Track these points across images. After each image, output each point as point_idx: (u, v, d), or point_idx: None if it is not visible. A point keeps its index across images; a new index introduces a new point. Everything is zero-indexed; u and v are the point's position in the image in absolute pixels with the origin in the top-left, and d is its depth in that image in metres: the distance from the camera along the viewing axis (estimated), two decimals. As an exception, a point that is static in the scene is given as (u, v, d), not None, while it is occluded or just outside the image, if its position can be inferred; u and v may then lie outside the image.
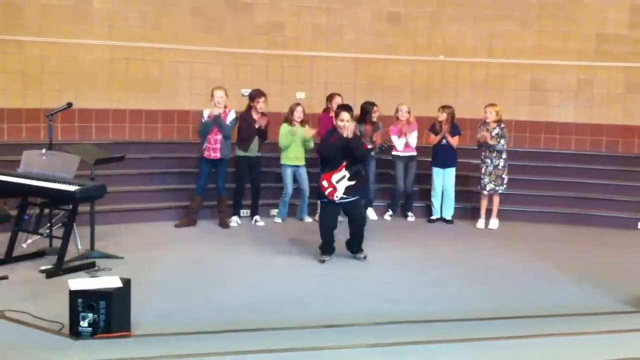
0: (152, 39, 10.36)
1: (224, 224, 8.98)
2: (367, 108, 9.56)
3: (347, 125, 7.27)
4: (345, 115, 7.32)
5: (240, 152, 9.08)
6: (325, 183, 7.28)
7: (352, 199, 7.34)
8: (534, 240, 8.88)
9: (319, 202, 7.80)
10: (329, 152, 7.34)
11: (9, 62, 9.66)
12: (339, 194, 7.25)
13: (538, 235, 9.19)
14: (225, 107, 8.79)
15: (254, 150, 9.12)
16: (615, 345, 5.01)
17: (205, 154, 8.80)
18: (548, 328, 5.40)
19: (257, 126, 9.00)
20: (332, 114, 9.46)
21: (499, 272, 7.31)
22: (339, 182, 7.26)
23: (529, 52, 11.17)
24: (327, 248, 7.50)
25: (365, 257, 7.54)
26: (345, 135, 7.26)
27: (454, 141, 9.66)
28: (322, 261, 7.42)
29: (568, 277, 7.13)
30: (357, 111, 9.82)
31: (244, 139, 9.01)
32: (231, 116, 8.84)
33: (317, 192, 7.59)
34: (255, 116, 9.06)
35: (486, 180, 9.42)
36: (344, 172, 7.28)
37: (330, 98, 9.66)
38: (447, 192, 9.77)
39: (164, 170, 9.81)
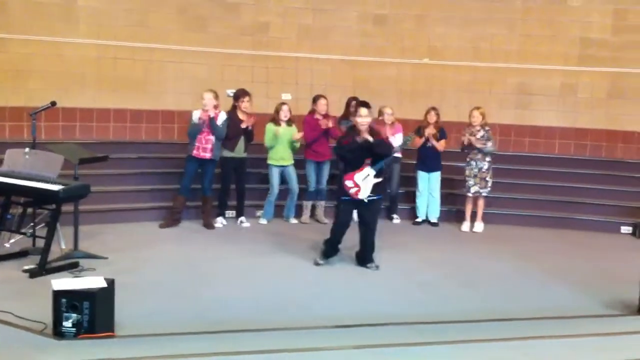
0: (138, 38, 10.31)
1: (209, 225, 8.94)
2: (347, 102, 9.68)
3: (367, 122, 7.21)
4: (364, 111, 7.24)
5: (226, 153, 9.04)
6: (349, 183, 7.13)
7: (375, 197, 7.21)
8: (519, 243, 8.92)
9: (336, 201, 7.67)
10: (348, 153, 7.23)
11: (-7, 60, 9.59)
12: (365, 193, 7.12)
13: (522, 238, 9.23)
14: (216, 107, 8.76)
15: (240, 150, 9.09)
16: (599, 348, 5.03)
17: (194, 152, 8.73)
18: (534, 330, 5.42)
19: (243, 126, 8.97)
20: (317, 115, 9.50)
21: (486, 275, 7.34)
22: (365, 181, 7.13)
23: (515, 55, 11.23)
24: (330, 250, 7.39)
25: (377, 267, 7.33)
26: (363, 131, 7.18)
27: (440, 145, 9.68)
28: (318, 264, 7.33)
29: (552, 280, 7.17)
30: (340, 111, 9.91)
31: (230, 139, 8.98)
32: (222, 117, 8.81)
33: (337, 191, 7.43)
34: (240, 116, 9.04)
35: (471, 182, 9.44)
36: (367, 171, 7.14)
37: (315, 100, 9.64)
38: (432, 195, 9.80)
39: (148, 170, 9.75)
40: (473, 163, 9.42)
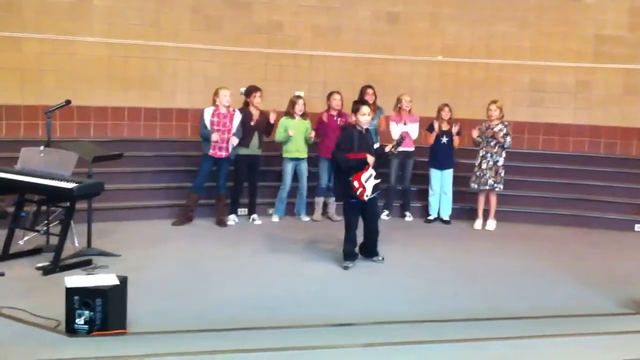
0: (150, 36, 10.36)
1: (222, 222, 8.97)
2: (362, 90, 9.64)
3: (369, 120, 7.31)
4: (366, 109, 7.27)
5: (241, 150, 9.06)
6: (356, 184, 7.13)
7: (374, 195, 7.27)
8: (531, 241, 8.88)
9: (344, 203, 7.57)
10: (351, 162, 7.19)
11: (7, 59, 9.67)
12: (368, 193, 7.15)
13: (535, 236, 9.19)
14: (228, 107, 8.79)
15: (254, 147, 9.11)
16: (612, 346, 5.00)
17: (211, 152, 8.77)
18: (545, 329, 5.40)
19: (252, 123, 9.00)
20: (331, 112, 9.50)
21: (496, 273, 7.31)
22: (367, 181, 7.15)
23: (528, 53, 11.18)
24: (352, 249, 7.31)
25: (382, 259, 7.46)
26: (363, 128, 7.27)
27: (457, 141, 9.64)
28: (346, 267, 7.21)
29: (565, 278, 7.13)
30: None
31: (244, 136, 9.00)
32: (237, 118, 8.84)
33: (344, 192, 7.37)
34: (253, 112, 9.06)
35: (487, 175, 9.38)
36: (370, 171, 7.17)
37: (328, 96, 9.64)
38: (445, 193, 9.77)
39: (162, 168, 9.79)
40: (489, 156, 9.38)
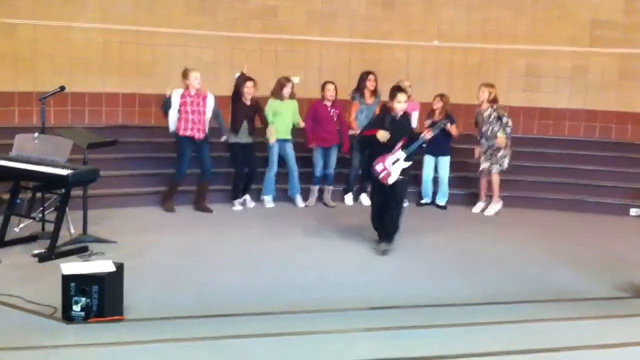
0: (145, 22, 10.30)
1: (205, 209, 8.94)
2: (362, 76, 9.66)
3: (404, 107, 7.27)
4: (402, 96, 7.22)
5: (232, 138, 9.06)
6: (379, 167, 7.03)
7: (401, 178, 7.11)
8: (527, 225, 8.90)
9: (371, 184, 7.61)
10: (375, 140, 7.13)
11: (1, 45, 9.58)
12: (394, 177, 7.02)
13: (531, 221, 9.21)
14: (199, 89, 8.75)
15: (243, 135, 9.08)
16: (608, 330, 5.03)
17: (189, 133, 8.71)
18: (540, 313, 5.42)
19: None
20: (325, 102, 9.48)
21: (492, 258, 7.33)
22: (394, 165, 7.03)
23: (523, 37, 11.16)
24: (383, 230, 7.29)
25: (384, 252, 7.19)
26: (398, 114, 7.21)
27: (454, 130, 9.62)
28: (384, 251, 7.17)
29: (560, 262, 7.16)
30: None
31: (233, 123, 9.02)
32: (211, 100, 8.83)
33: (367, 175, 7.35)
34: (244, 101, 9.06)
35: (482, 159, 9.46)
36: (398, 154, 7.06)
37: (322, 87, 9.60)
38: (441, 180, 9.76)
39: (157, 155, 9.76)
40: (484, 140, 9.41)
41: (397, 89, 7.40)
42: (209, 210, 8.94)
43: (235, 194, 9.25)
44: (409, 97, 9.54)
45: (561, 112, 11.21)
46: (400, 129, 7.22)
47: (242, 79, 9.08)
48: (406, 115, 7.45)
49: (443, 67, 11.26)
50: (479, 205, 9.61)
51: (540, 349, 4.52)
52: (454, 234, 8.40)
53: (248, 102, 9.07)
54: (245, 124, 9.05)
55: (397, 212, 7.24)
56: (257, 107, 9.21)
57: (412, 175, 9.80)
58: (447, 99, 9.71)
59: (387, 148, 7.10)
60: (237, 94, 9.07)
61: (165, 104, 8.77)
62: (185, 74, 8.74)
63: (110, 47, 10.20)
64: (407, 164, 7.12)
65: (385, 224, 7.28)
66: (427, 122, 9.54)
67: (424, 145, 7.80)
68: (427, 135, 7.26)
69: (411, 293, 6.08)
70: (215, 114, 8.92)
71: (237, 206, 9.15)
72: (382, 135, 7.13)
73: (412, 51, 11.31)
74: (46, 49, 9.81)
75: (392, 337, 4.76)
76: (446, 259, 7.22)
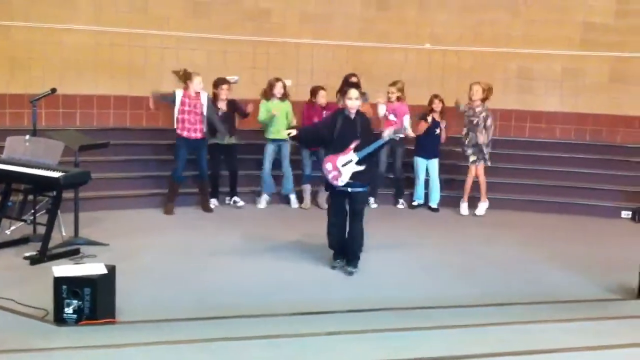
0: (137, 24, 10.26)
1: (207, 208, 9.01)
2: (345, 78, 9.51)
3: (357, 105, 6.60)
4: (354, 92, 6.58)
5: (211, 140, 9.12)
6: (329, 166, 6.52)
7: (359, 190, 6.58)
8: (518, 228, 8.92)
9: (328, 193, 7.15)
10: (326, 130, 6.63)
11: (-7, 47, 9.57)
12: (344, 179, 6.47)
13: (522, 223, 9.23)
14: (197, 92, 8.81)
15: (220, 138, 9.13)
16: (600, 332, 5.04)
17: (185, 134, 8.75)
18: (533, 315, 5.44)
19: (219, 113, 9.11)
20: (317, 105, 9.49)
21: (485, 260, 7.34)
22: (345, 166, 6.48)
23: (516, 40, 11.17)
24: (330, 242, 6.81)
25: (351, 273, 6.60)
26: (352, 113, 6.59)
27: (444, 135, 9.68)
28: (333, 267, 6.73)
29: (553, 264, 7.18)
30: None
31: (210, 126, 9.03)
32: (204, 97, 8.87)
33: (324, 179, 6.83)
34: (219, 105, 9.15)
35: (469, 152, 9.51)
36: (350, 156, 6.50)
37: (314, 92, 9.61)
38: (432, 181, 9.79)
39: (149, 157, 9.75)
40: (471, 135, 9.48)
41: (349, 85, 7.08)
42: (210, 210, 9.04)
43: (214, 193, 9.36)
44: (397, 99, 9.63)
45: (553, 115, 11.24)
46: (353, 128, 6.59)
47: (220, 80, 9.19)
48: (364, 115, 6.79)
49: (436, 69, 11.26)
50: (464, 206, 9.64)
51: (534, 350, 4.52)
52: (447, 236, 8.42)
53: (223, 104, 9.20)
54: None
55: (360, 228, 6.66)
56: (234, 105, 9.29)
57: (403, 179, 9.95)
58: (441, 99, 9.78)
59: (337, 148, 6.56)
60: (214, 97, 9.17)
61: (166, 97, 8.89)
62: (187, 76, 8.78)
63: (102, 49, 10.16)
64: (360, 167, 6.52)
65: (348, 243, 6.73)
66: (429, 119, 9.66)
67: (383, 147, 7.15)
68: (387, 134, 6.58)
69: (406, 295, 6.08)
70: (209, 116, 8.88)
71: (212, 204, 9.22)
72: (285, 133, 6.97)
73: (405, 54, 11.31)
74: (39, 51, 9.77)
75: (387, 339, 4.74)
76: (440, 261, 7.22)
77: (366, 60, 11.14)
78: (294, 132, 6.95)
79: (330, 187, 6.74)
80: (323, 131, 6.76)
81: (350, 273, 6.63)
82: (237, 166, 9.39)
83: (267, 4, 10.95)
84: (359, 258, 6.72)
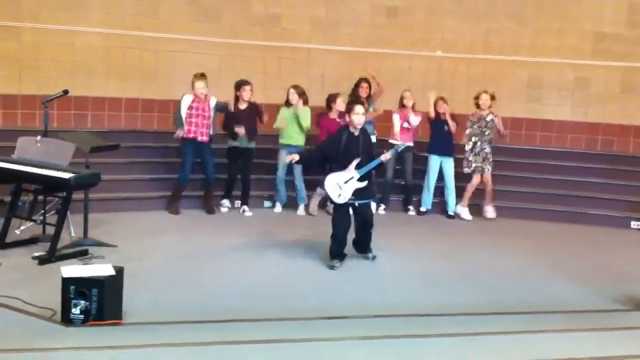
0: (148, 27, 10.33)
1: (211, 211, 9.08)
2: (356, 84, 9.66)
3: (363, 121, 6.88)
4: (359, 108, 6.86)
5: (230, 142, 9.17)
6: (330, 183, 6.79)
7: (363, 202, 6.91)
8: (527, 237, 8.89)
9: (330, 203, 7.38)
10: (334, 150, 6.89)
11: (5, 48, 9.65)
12: (346, 196, 6.76)
13: (531, 232, 9.20)
14: (205, 95, 8.85)
15: (243, 140, 9.15)
16: (605, 342, 5.02)
17: (192, 135, 8.80)
18: (538, 324, 5.42)
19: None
20: (331, 115, 9.40)
21: (491, 268, 7.33)
22: (346, 184, 6.76)
23: (526, 49, 11.17)
24: (337, 250, 6.97)
25: (374, 257, 7.21)
26: (357, 129, 6.86)
27: (454, 125, 9.69)
28: (332, 267, 6.89)
29: (560, 274, 7.15)
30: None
31: (228, 128, 9.12)
32: (212, 102, 8.92)
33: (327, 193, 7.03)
34: (240, 106, 9.15)
35: (473, 160, 9.58)
36: (352, 173, 6.78)
37: (333, 99, 9.45)
38: (448, 184, 9.78)
39: (159, 160, 9.79)
40: (480, 144, 9.51)
41: (354, 102, 7.28)
42: (213, 212, 9.10)
43: (227, 194, 9.39)
44: (412, 107, 9.65)
45: (564, 124, 11.23)
46: (356, 146, 6.88)
47: (242, 81, 9.18)
48: (366, 132, 7.07)
49: (445, 77, 11.26)
50: (465, 211, 9.66)
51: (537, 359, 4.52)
52: (453, 243, 8.40)
53: (244, 106, 9.15)
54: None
55: (370, 232, 7.14)
56: (256, 108, 9.27)
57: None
58: (445, 100, 9.79)
59: (341, 165, 6.83)
60: (236, 99, 9.18)
61: (177, 120, 8.99)
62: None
63: (114, 51, 10.24)
64: (362, 184, 6.80)
65: (360, 240, 7.19)
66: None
67: (383, 164, 7.18)
68: (385, 157, 6.92)
69: (410, 301, 6.08)
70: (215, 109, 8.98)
71: (224, 207, 9.30)
72: (287, 159, 7.25)
73: (415, 60, 11.32)
74: (50, 53, 9.85)
75: (389, 346, 4.74)
76: (445, 268, 7.21)
77: (376, 66, 11.10)
78: (296, 157, 7.11)
79: (335, 206, 7.01)
80: (329, 151, 6.99)
81: (374, 257, 7.21)
82: (251, 173, 9.37)
83: (277, 9, 11.02)
84: (370, 246, 7.21)
